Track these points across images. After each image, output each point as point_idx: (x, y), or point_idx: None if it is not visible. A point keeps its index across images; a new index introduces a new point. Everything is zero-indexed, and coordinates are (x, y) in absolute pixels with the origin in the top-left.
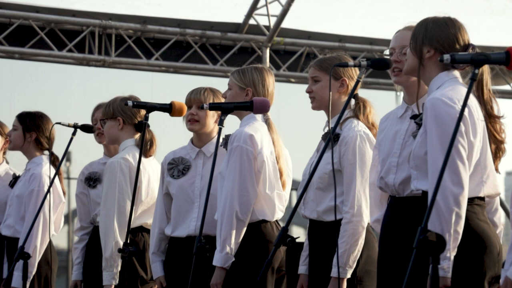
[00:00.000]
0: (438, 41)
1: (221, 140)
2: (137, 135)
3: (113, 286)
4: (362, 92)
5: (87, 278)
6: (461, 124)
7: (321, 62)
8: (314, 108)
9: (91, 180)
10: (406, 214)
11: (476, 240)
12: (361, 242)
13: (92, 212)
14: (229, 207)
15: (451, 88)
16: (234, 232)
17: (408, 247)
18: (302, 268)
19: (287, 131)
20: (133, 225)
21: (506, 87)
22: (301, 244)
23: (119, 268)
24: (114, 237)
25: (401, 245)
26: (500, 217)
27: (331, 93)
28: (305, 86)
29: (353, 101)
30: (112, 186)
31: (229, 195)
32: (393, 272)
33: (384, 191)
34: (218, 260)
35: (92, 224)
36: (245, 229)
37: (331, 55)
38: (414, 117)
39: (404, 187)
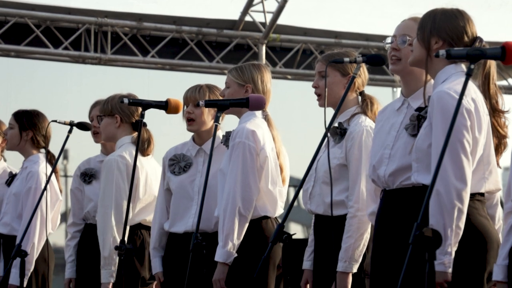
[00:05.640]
0: (446, 33)
1: (221, 136)
2: (135, 134)
3: (111, 284)
4: None
5: (80, 276)
6: (467, 118)
7: (329, 57)
8: (321, 105)
9: (87, 175)
10: (398, 208)
11: (477, 236)
12: (367, 236)
13: (85, 208)
14: (232, 203)
15: (458, 82)
16: (236, 227)
17: (402, 241)
18: (307, 264)
19: (283, 128)
20: (131, 222)
21: (503, 82)
22: (297, 240)
23: (117, 266)
24: (112, 235)
25: (395, 239)
26: (500, 212)
27: (337, 89)
28: (301, 83)
29: (360, 98)
30: (110, 184)
31: (231, 191)
32: (388, 267)
33: (376, 184)
34: (220, 255)
35: (84, 221)
36: (247, 225)
37: (339, 51)
38: (419, 109)
39: (394, 179)
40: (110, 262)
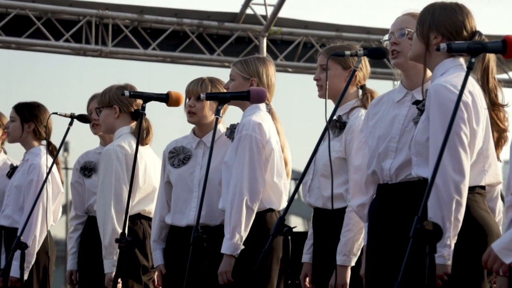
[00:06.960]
0: (445, 28)
1: (223, 129)
2: (133, 123)
3: (113, 273)
4: None
5: (82, 267)
6: (464, 111)
7: (331, 50)
8: (321, 96)
9: (86, 169)
10: (400, 201)
11: (477, 228)
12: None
13: (87, 202)
14: (239, 195)
15: (456, 75)
16: (244, 220)
17: (404, 235)
18: (306, 257)
19: (283, 121)
20: (131, 212)
21: (504, 76)
22: (298, 233)
23: (118, 258)
24: (112, 225)
25: (396, 233)
26: (500, 205)
27: (338, 82)
28: (302, 76)
29: (360, 92)
30: (109, 174)
31: (238, 183)
32: (386, 260)
33: (376, 177)
34: (227, 248)
35: (86, 213)
36: (254, 217)
37: (341, 44)
38: (416, 102)
39: (399, 173)
40: (112, 252)
